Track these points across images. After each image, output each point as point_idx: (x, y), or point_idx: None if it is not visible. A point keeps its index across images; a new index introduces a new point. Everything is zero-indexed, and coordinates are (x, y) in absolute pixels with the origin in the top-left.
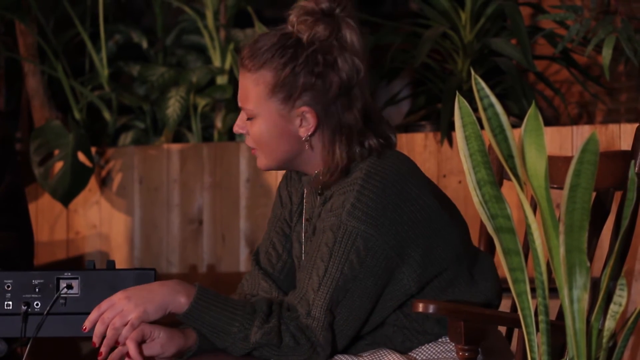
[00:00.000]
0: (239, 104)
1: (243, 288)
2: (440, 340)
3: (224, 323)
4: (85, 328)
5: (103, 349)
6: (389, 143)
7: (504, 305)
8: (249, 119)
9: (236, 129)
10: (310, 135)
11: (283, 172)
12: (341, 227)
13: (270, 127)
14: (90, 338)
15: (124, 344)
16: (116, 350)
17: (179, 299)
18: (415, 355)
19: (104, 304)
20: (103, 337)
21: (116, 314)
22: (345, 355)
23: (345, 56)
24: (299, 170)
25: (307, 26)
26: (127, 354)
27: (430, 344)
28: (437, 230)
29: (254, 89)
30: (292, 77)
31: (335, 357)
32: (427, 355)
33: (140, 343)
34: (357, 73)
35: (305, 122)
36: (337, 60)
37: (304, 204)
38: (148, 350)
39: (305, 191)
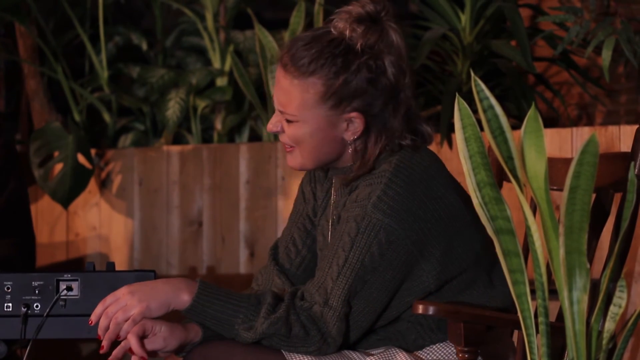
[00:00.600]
0: (277, 107)
1: (257, 282)
2: (447, 343)
3: (228, 315)
4: (91, 321)
5: (105, 343)
6: (424, 140)
7: None
8: (287, 120)
9: (270, 127)
10: (356, 139)
11: (284, 175)
12: (365, 218)
13: (313, 132)
14: (90, 339)
15: (126, 339)
16: (119, 347)
17: (181, 297)
18: (423, 356)
19: (109, 298)
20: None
21: (119, 309)
22: (355, 352)
23: (392, 60)
24: (337, 167)
25: (357, 34)
26: (130, 349)
27: (440, 344)
28: (459, 229)
29: (300, 95)
30: (344, 85)
31: (344, 352)
32: (436, 355)
33: (142, 338)
34: (403, 76)
35: (352, 126)
36: (386, 64)
37: (332, 196)
38: (150, 344)
39: (333, 183)
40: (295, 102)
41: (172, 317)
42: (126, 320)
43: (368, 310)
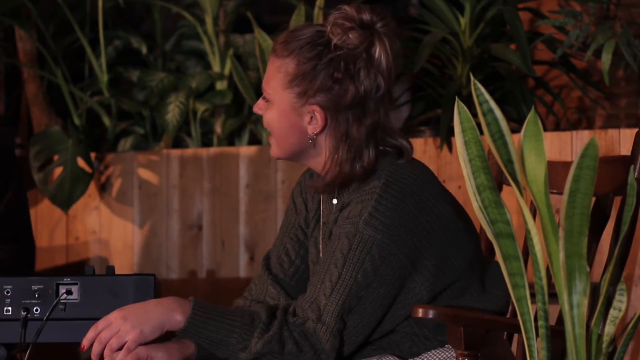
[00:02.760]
0: (263, 85)
1: (251, 292)
2: (447, 346)
3: (222, 335)
4: (84, 347)
5: None
6: (401, 154)
7: None
8: (265, 100)
9: (255, 108)
10: (317, 135)
11: (284, 179)
12: (357, 234)
13: (281, 116)
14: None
15: None
16: None
17: (175, 317)
18: None
19: (101, 324)
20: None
21: (113, 335)
22: None
23: (369, 71)
24: (309, 167)
25: (341, 30)
26: None
27: (436, 350)
28: (451, 239)
29: (276, 75)
30: (311, 74)
31: None
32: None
33: None
34: (376, 90)
35: (314, 121)
36: (360, 72)
37: (321, 209)
38: None
39: (322, 196)
40: (272, 81)
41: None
42: (121, 347)
43: (362, 326)
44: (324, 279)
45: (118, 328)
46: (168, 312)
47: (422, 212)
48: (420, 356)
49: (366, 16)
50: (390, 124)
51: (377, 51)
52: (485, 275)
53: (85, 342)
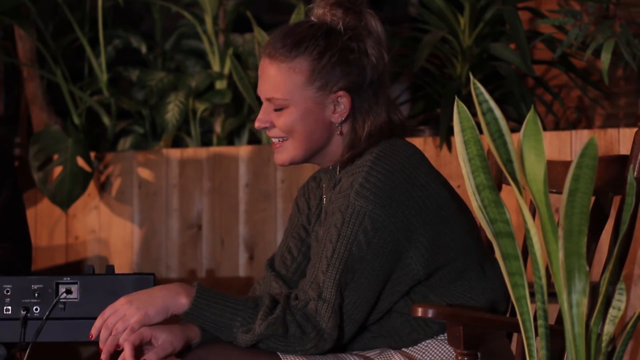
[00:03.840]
0: (264, 97)
1: (255, 292)
2: (442, 337)
3: (226, 318)
4: (92, 335)
5: (104, 355)
6: (403, 127)
7: None
8: (277, 109)
9: (258, 124)
10: (343, 121)
11: (283, 178)
12: (349, 207)
13: (303, 115)
14: (90, 342)
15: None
16: (119, 358)
17: (179, 300)
18: (420, 356)
19: (108, 310)
20: None
21: (119, 319)
22: (352, 355)
23: (372, 44)
24: (320, 164)
25: (337, 17)
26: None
27: (436, 340)
28: (445, 218)
29: (289, 78)
30: (329, 65)
31: (341, 356)
32: (431, 356)
33: (140, 346)
34: (383, 61)
35: (339, 108)
36: (367, 47)
37: (323, 198)
38: (162, 352)
39: (324, 186)
40: (284, 86)
41: (169, 320)
42: (125, 330)
43: (360, 302)
44: (321, 257)
45: (124, 312)
46: (172, 295)
47: (414, 188)
48: (420, 344)
49: None
50: (391, 95)
51: (372, 23)
52: (486, 263)
53: (93, 331)
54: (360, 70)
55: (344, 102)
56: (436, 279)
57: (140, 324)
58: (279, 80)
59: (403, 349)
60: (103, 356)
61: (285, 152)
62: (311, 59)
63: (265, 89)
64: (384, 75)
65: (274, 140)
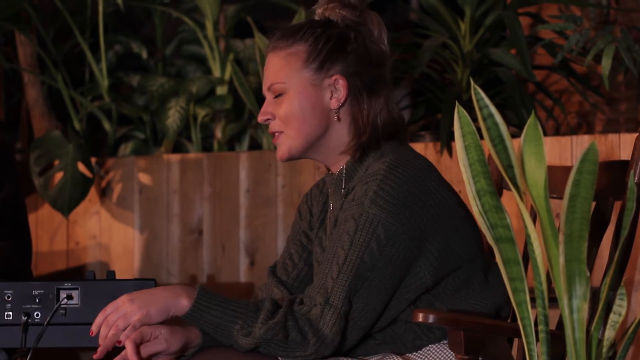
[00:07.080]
0: (265, 87)
1: (257, 298)
2: (445, 342)
3: (226, 321)
4: (92, 332)
5: (100, 349)
6: (403, 126)
7: None
8: (277, 96)
9: (261, 117)
10: (340, 107)
11: (284, 184)
12: (363, 214)
13: (301, 99)
14: (91, 348)
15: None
16: (119, 356)
17: (180, 301)
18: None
19: (109, 308)
20: None
21: (120, 317)
22: None
23: (372, 38)
24: (323, 160)
25: (335, 12)
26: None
27: (438, 345)
28: (455, 226)
29: (286, 61)
30: (325, 48)
31: (341, 359)
32: (433, 358)
33: (140, 344)
34: (382, 56)
35: (337, 94)
36: (365, 39)
37: (329, 203)
38: (152, 347)
39: (329, 191)
40: (282, 71)
41: (172, 322)
42: (126, 327)
43: (368, 310)
44: (332, 263)
45: (125, 310)
46: (174, 296)
47: (426, 196)
48: (422, 350)
49: None
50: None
51: (373, 19)
52: (488, 271)
53: (93, 328)
54: (358, 59)
55: (340, 87)
56: (442, 287)
57: (141, 323)
58: (278, 66)
59: (406, 354)
60: (99, 350)
61: (283, 144)
62: (308, 44)
63: (266, 79)
64: (383, 69)
65: (273, 132)
